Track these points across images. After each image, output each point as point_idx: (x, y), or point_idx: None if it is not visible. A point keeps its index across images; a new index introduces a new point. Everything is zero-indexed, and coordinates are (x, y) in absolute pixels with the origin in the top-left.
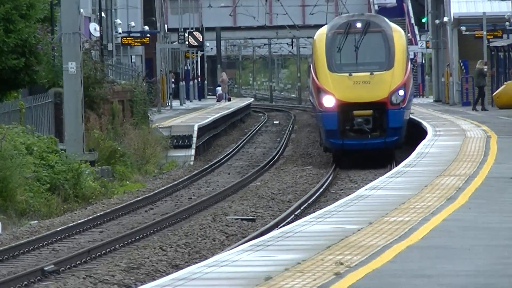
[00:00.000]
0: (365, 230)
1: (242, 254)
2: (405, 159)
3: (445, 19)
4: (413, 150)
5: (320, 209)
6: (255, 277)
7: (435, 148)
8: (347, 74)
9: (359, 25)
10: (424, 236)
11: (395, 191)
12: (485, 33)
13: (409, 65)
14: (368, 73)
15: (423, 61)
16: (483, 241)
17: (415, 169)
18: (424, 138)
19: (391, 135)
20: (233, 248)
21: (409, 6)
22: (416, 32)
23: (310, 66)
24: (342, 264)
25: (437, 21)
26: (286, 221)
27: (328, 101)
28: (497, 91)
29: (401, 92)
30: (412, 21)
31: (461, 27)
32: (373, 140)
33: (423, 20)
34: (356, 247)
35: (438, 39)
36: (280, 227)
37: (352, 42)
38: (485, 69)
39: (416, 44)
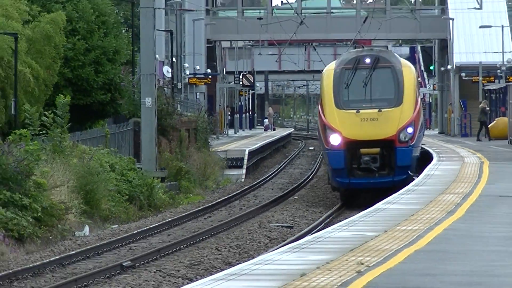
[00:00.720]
0: (381, 237)
1: (282, 254)
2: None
3: (449, 67)
4: (421, 172)
5: (345, 219)
6: (292, 273)
7: (439, 171)
8: (355, 111)
9: (368, 60)
10: (429, 242)
11: (406, 205)
12: (480, 78)
13: (419, 101)
14: (376, 110)
15: (430, 100)
16: (476, 247)
17: (422, 188)
18: (430, 162)
19: (399, 173)
20: (275, 249)
21: (420, 56)
22: (425, 77)
23: None
24: (362, 264)
25: (442, 68)
26: (318, 228)
27: (335, 139)
28: (490, 125)
29: (410, 130)
30: (422, 68)
31: (462, 73)
32: (380, 179)
33: (431, 68)
34: (374, 250)
35: (443, 82)
36: (313, 233)
37: (361, 78)
38: (487, 108)
39: (425, 86)
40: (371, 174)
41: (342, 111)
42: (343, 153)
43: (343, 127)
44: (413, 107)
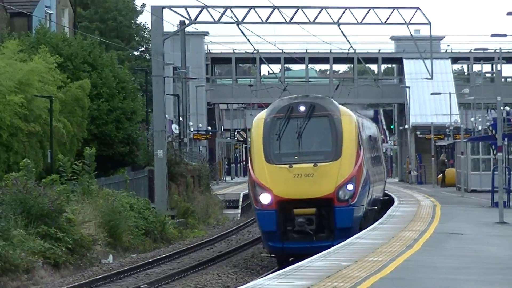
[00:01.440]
0: (353, 266)
1: (270, 280)
2: (379, 219)
3: (406, 126)
4: (385, 213)
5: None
6: None
7: (399, 212)
8: (287, 166)
9: (302, 108)
10: (391, 271)
11: (372, 240)
12: (432, 136)
13: (362, 154)
14: (311, 165)
15: (392, 154)
16: (430, 275)
17: (386, 226)
18: (392, 205)
19: (339, 236)
20: (265, 276)
21: (382, 117)
22: (387, 134)
23: None
24: None
25: (400, 128)
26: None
27: (265, 198)
28: (440, 175)
29: (350, 187)
30: (384, 127)
31: (417, 132)
32: (318, 243)
33: (391, 127)
34: (346, 277)
35: (401, 139)
36: (297, 263)
37: (294, 128)
38: (446, 160)
39: (387, 142)
40: (308, 238)
41: (272, 166)
42: (275, 213)
43: (274, 184)
44: (354, 161)
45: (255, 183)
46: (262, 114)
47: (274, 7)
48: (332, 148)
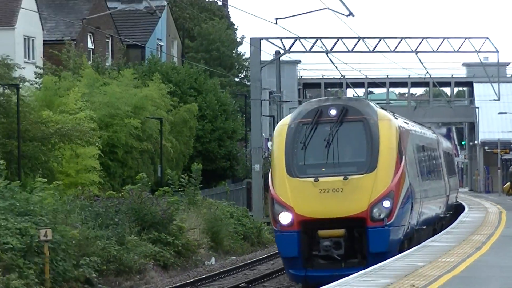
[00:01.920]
0: (428, 266)
1: (355, 278)
2: (451, 224)
3: (476, 142)
4: (456, 219)
5: (401, 253)
6: None
7: (469, 218)
8: (312, 180)
9: (333, 112)
10: (462, 270)
11: (445, 243)
12: (499, 150)
13: (403, 164)
14: (341, 178)
15: (462, 167)
16: (497, 274)
17: (457, 230)
18: (463, 211)
19: (373, 262)
20: (352, 275)
21: (454, 135)
22: (458, 149)
23: None
24: (414, 286)
25: (470, 143)
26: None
27: (285, 217)
28: (506, 185)
29: (387, 203)
30: (456, 143)
31: (485, 147)
32: (348, 271)
33: (463, 143)
34: (422, 276)
35: (471, 153)
36: (379, 264)
37: (323, 135)
38: None
39: (458, 156)
40: (335, 264)
41: (295, 180)
42: (297, 236)
43: (296, 201)
44: (393, 173)
45: (274, 199)
46: (286, 119)
47: (359, 38)
48: (367, 158)
